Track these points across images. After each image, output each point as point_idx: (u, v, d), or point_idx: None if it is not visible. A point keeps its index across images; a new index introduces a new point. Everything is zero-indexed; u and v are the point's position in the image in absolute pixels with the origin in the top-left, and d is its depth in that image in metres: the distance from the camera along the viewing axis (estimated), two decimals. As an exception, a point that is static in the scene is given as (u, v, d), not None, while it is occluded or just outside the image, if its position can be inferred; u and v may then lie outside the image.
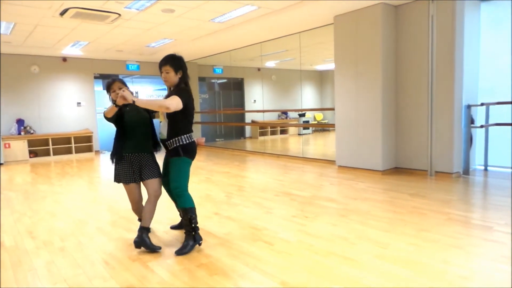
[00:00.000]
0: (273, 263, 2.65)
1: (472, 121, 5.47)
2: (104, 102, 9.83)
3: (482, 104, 5.45)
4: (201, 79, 11.99)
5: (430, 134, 5.44)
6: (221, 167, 7.08)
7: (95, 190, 5.53)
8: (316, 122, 13.75)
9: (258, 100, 12.55)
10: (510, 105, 5.10)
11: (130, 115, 3.04)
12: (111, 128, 3.10)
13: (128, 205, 3.61)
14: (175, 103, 2.69)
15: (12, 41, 7.37)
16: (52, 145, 9.18)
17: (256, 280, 2.39)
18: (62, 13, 5.50)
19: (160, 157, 3.15)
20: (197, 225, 2.95)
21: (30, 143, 8.84)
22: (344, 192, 4.72)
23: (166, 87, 3.21)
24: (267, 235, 3.23)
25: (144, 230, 2.94)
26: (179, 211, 3.33)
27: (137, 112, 3.07)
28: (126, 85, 3.07)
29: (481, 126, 5.42)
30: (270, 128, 12.84)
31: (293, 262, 2.65)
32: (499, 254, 2.65)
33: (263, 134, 12.69)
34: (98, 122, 10.13)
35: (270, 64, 12.24)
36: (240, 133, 12.92)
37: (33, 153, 8.93)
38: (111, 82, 3.06)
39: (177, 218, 3.58)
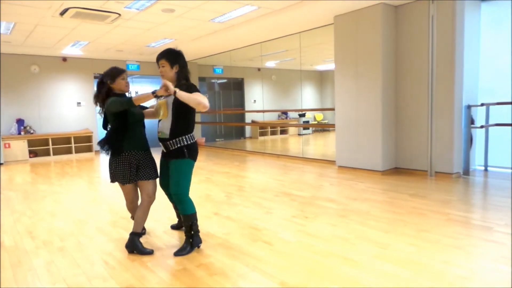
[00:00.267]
0: (272, 263, 2.64)
1: (472, 122, 5.46)
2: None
3: (482, 105, 5.45)
4: (201, 79, 11.98)
5: (430, 134, 5.44)
6: (221, 167, 7.08)
7: (95, 190, 5.53)
8: (316, 122, 13.74)
9: (258, 100, 12.54)
10: (510, 105, 5.10)
11: (136, 110, 2.91)
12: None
13: (128, 205, 3.61)
14: (207, 102, 2.62)
15: (12, 41, 7.37)
16: (52, 145, 9.17)
17: (256, 280, 2.39)
18: (62, 13, 5.49)
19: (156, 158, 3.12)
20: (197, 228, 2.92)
21: (30, 143, 8.84)
22: (344, 192, 4.72)
23: None
24: (267, 235, 3.23)
25: (136, 235, 2.90)
26: (176, 211, 3.32)
27: (139, 107, 2.98)
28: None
29: (481, 127, 5.42)
30: (270, 128, 12.84)
31: (293, 262, 2.64)
32: (499, 255, 2.64)
33: (263, 134, 12.68)
34: (98, 122, 10.11)
35: (270, 64, 12.24)
36: (240, 133, 12.92)
37: (33, 153, 8.93)
38: (121, 71, 2.92)
39: (175, 218, 3.56)
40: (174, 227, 3.49)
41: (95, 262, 2.79)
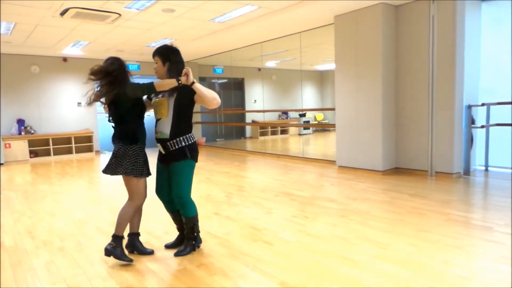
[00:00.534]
0: (272, 263, 2.64)
1: (473, 122, 5.46)
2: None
3: (482, 104, 5.44)
4: (202, 79, 11.98)
5: (431, 134, 5.43)
6: (221, 167, 7.08)
7: (95, 190, 5.53)
8: (316, 122, 13.73)
9: (259, 100, 12.54)
10: (510, 105, 5.09)
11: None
12: (112, 129, 2.77)
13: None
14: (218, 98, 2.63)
15: (12, 41, 7.37)
16: (53, 145, 9.18)
17: (256, 280, 2.39)
18: (62, 13, 5.50)
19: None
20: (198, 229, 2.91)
21: (31, 143, 8.84)
22: (344, 192, 4.71)
23: None
24: (267, 235, 3.22)
25: (135, 235, 2.89)
26: (176, 225, 3.01)
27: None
28: None
29: (482, 127, 5.41)
30: (271, 128, 12.83)
31: (293, 262, 2.64)
32: (499, 255, 2.64)
33: (263, 134, 12.68)
34: (99, 122, 10.13)
35: (271, 64, 12.24)
36: (240, 133, 12.92)
37: (33, 153, 8.93)
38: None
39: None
40: (169, 246, 3.00)
41: (95, 262, 2.79)
